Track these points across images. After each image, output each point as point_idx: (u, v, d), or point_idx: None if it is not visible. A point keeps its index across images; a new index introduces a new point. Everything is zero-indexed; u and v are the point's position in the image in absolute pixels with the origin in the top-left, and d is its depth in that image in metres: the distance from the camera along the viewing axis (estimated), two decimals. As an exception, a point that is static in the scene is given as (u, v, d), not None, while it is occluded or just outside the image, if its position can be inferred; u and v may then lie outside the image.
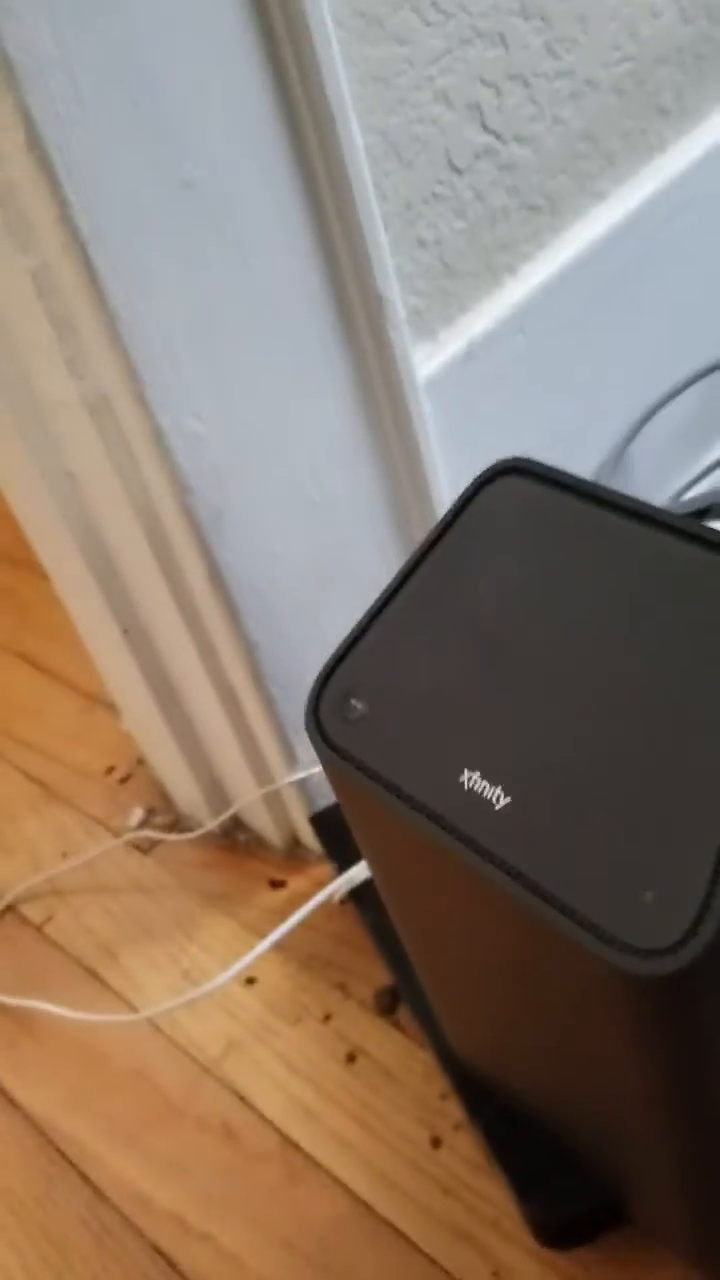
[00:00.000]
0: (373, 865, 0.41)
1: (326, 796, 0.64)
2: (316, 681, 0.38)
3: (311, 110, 0.48)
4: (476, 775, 0.33)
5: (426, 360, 0.60)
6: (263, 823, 0.67)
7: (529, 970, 0.34)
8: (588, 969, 0.30)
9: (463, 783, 0.33)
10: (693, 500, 0.70)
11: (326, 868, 0.65)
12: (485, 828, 0.32)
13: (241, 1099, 0.57)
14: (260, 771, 0.63)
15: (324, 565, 0.57)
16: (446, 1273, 0.48)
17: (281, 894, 0.66)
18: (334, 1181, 0.52)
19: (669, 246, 0.69)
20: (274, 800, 0.65)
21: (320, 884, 0.62)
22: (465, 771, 0.33)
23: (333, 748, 0.36)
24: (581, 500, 0.34)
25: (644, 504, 0.33)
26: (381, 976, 0.60)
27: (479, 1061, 0.48)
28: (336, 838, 0.63)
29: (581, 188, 0.65)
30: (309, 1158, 0.54)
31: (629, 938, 0.29)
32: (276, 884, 0.67)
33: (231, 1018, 0.60)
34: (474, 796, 0.33)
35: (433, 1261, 0.49)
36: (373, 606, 0.38)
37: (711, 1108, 0.33)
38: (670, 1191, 0.38)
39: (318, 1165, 0.53)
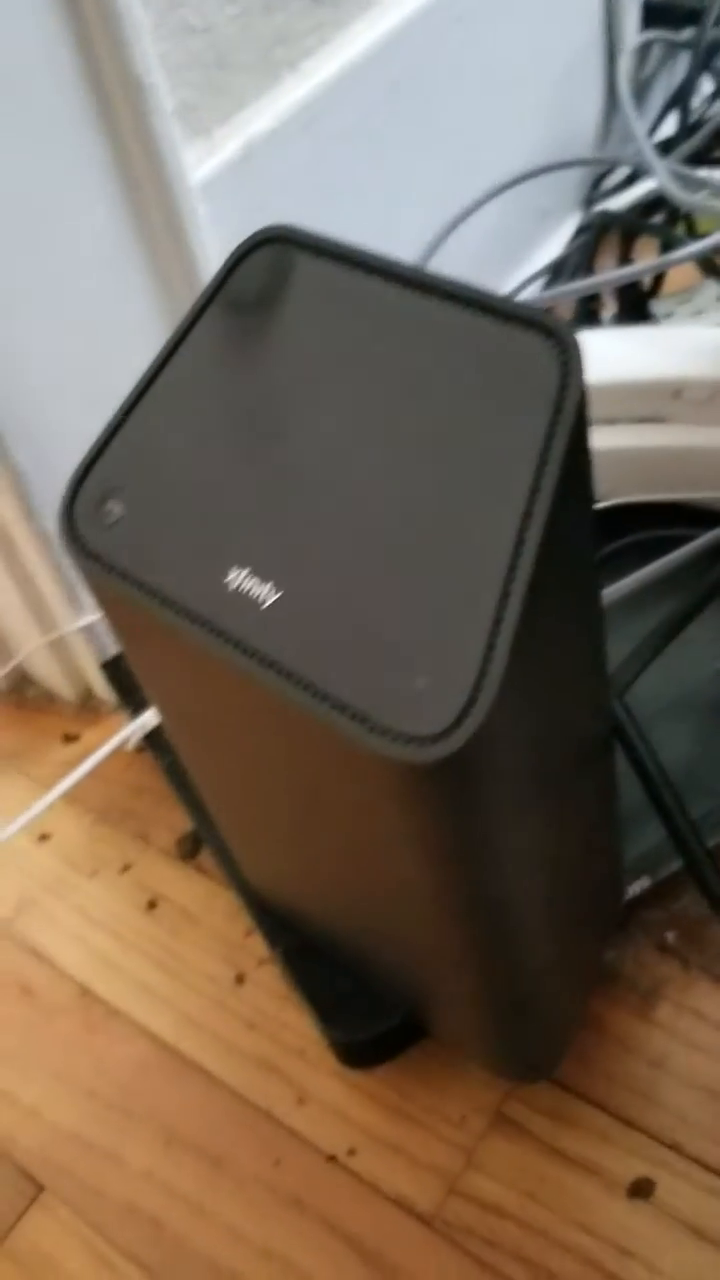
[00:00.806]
0: (148, 688, 0.38)
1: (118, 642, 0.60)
2: (69, 485, 0.34)
3: None
4: (244, 573, 0.30)
5: (202, 161, 0.55)
6: (51, 675, 0.63)
7: (308, 779, 0.32)
8: (361, 765, 0.28)
9: (229, 582, 0.31)
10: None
11: (122, 719, 0.62)
12: (253, 626, 0.30)
13: (37, 955, 0.54)
14: (43, 618, 0.59)
15: (93, 385, 0.52)
16: (252, 1104, 0.47)
17: (75, 748, 0.63)
18: (135, 1027, 0.51)
19: (450, 56, 0.65)
20: (61, 649, 0.61)
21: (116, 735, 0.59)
22: (232, 570, 0.31)
23: (90, 555, 0.33)
24: (352, 269, 0.31)
25: (420, 271, 0.30)
26: (182, 822, 0.58)
27: (276, 894, 0.46)
28: (130, 685, 0.60)
29: (363, -26, 0.60)
30: (109, 1006, 0.52)
31: (400, 725, 0.27)
32: (70, 738, 0.64)
33: (24, 875, 0.58)
34: (241, 595, 0.30)
35: (238, 1095, 0.48)
36: (127, 399, 0.34)
37: (493, 901, 0.32)
38: (464, 998, 0.38)
39: (118, 1013, 0.52)
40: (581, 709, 0.35)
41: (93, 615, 0.59)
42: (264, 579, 0.30)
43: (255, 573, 0.30)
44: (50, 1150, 0.48)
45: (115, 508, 0.33)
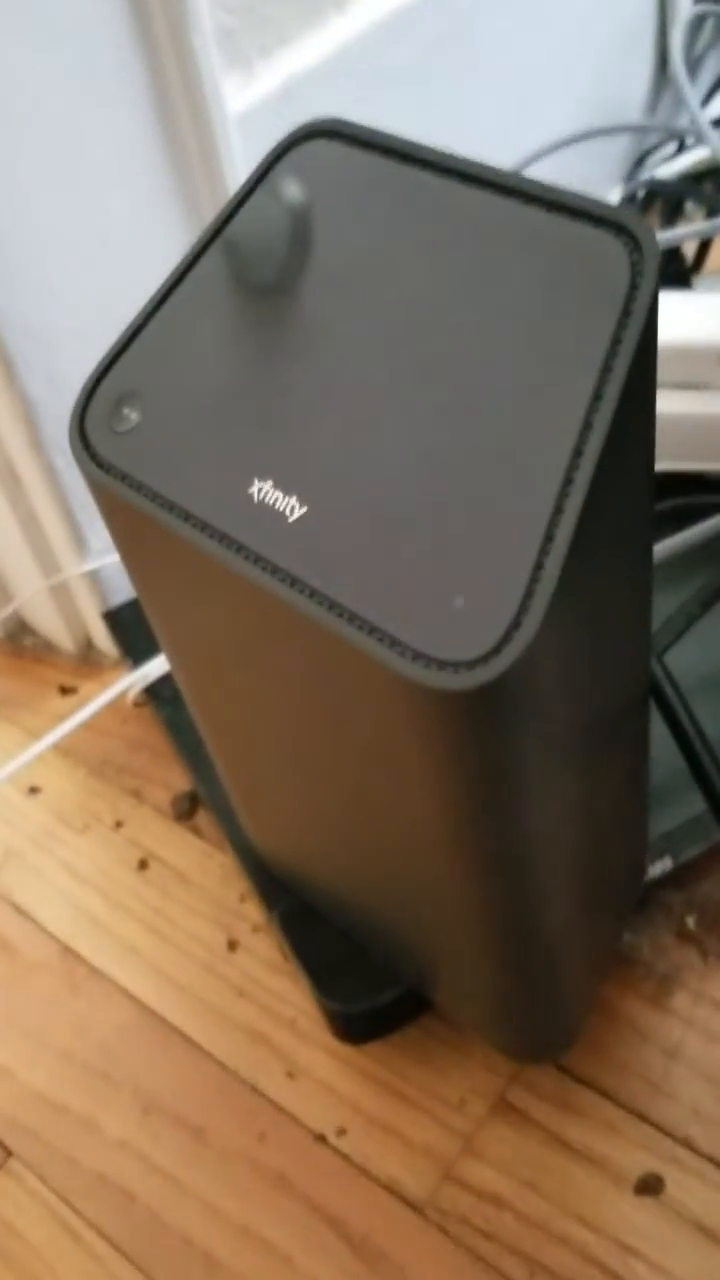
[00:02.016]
0: (155, 619, 0.36)
1: (123, 591, 0.58)
2: (83, 389, 0.32)
3: None
4: (268, 485, 0.28)
5: (240, 91, 0.53)
6: (51, 623, 0.61)
7: (329, 713, 0.30)
8: (391, 693, 0.26)
9: (252, 494, 0.28)
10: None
11: (123, 672, 0.59)
12: (276, 542, 0.27)
13: (19, 910, 0.52)
14: (46, 561, 0.57)
15: (112, 314, 0.50)
16: (238, 1076, 0.45)
17: (72, 700, 0.60)
18: (119, 990, 0.48)
19: (501, 12, 0.63)
20: (63, 596, 0.59)
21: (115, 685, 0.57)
22: (255, 482, 0.28)
23: (100, 465, 0.30)
24: (406, 164, 0.29)
25: (484, 166, 0.28)
26: (179, 781, 0.55)
27: (278, 852, 0.44)
28: (133, 637, 0.57)
29: None
30: (92, 967, 0.49)
31: (436, 650, 0.25)
32: (67, 690, 0.61)
33: (11, 827, 0.55)
34: (265, 509, 0.28)
35: (223, 1065, 0.45)
36: (153, 298, 0.32)
37: (514, 856, 0.30)
38: (474, 966, 0.35)
39: (102, 974, 0.49)
40: (622, 658, 0.32)
41: (98, 560, 0.56)
42: (290, 491, 0.28)
43: (281, 484, 0.28)
44: (20, 1113, 0.46)
45: (131, 414, 0.31)
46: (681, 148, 0.72)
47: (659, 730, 0.39)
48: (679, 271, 0.64)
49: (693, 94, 0.68)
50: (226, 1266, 0.40)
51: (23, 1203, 0.43)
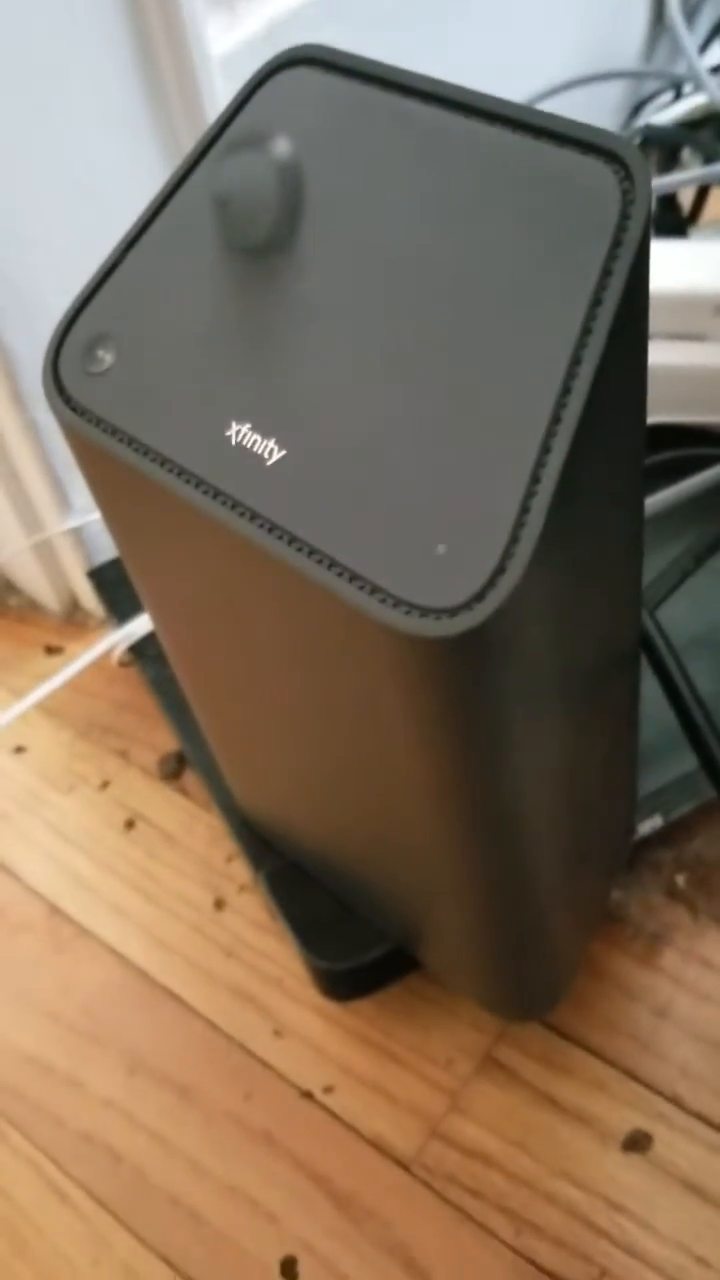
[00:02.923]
0: (133, 571, 0.35)
1: (107, 549, 0.57)
2: (56, 331, 0.31)
3: None
4: (246, 428, 0.27)
5: (223, 34, 0.51)
6: (36, 583, 0.60)
7: (311, 664, 0.29)
8: (372, 642, 0.25)
9: (229, 437, 0.27)
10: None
11: (108, 632, 0.59)
12: (255, 487, 0.27)
13: (5, 870, 0.51)
14: (29, 519, 0.56)
15: (95, 259, 0.49)
16: (225, 1034, 0.45)
17: (57, 660, 0.60)
18: (105, 949, 0.48)
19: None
20: (47, 555, 0.58)
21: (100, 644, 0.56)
22: (233, 424, 0.27)
23: (74, 406, 0.30)
24: (390, 92, 0.28)
25: (472, 93, 0.27)
26: (166, 742, 0.55)
27: (265, 812, 0.43)
28: (119, 595, 0.56)
29: None
30: (79, 927, 0.49)
31: (418, 596, 0.24)
32: (53, 650, 0.60)
33: (-4, 787, 0.54)
34: (243, 452, 0.27)
35: (210, 1024, 0.45)
36: (126, 236, 0.31)
37: (503, 809, 0.29)
38: (461, 922, 0.35)
39: (88, 934, 0.49)
40: (612, 611, 0.31)
41: (82, 518, 0.55)
42: (269, 434, 0.27)
43: (259, 427, 0.27)
44: (6, 1073, 0.45)
45: (105, 355, 0.30)
46: (678, 95, 0.70)
47: (648, 688, 0.38)
48: (675, 221, 0.63)
49: (690, 40, 0.67)
50: (213, 1225, 0.40)
51: (8, 1163, 0.43)
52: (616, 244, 0.24)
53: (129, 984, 0.47)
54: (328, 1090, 0.42)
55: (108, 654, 0.55)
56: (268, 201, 0.28)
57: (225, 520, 0.27)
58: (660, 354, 0.51)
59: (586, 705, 0.32)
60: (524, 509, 0.23)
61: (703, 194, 0.62)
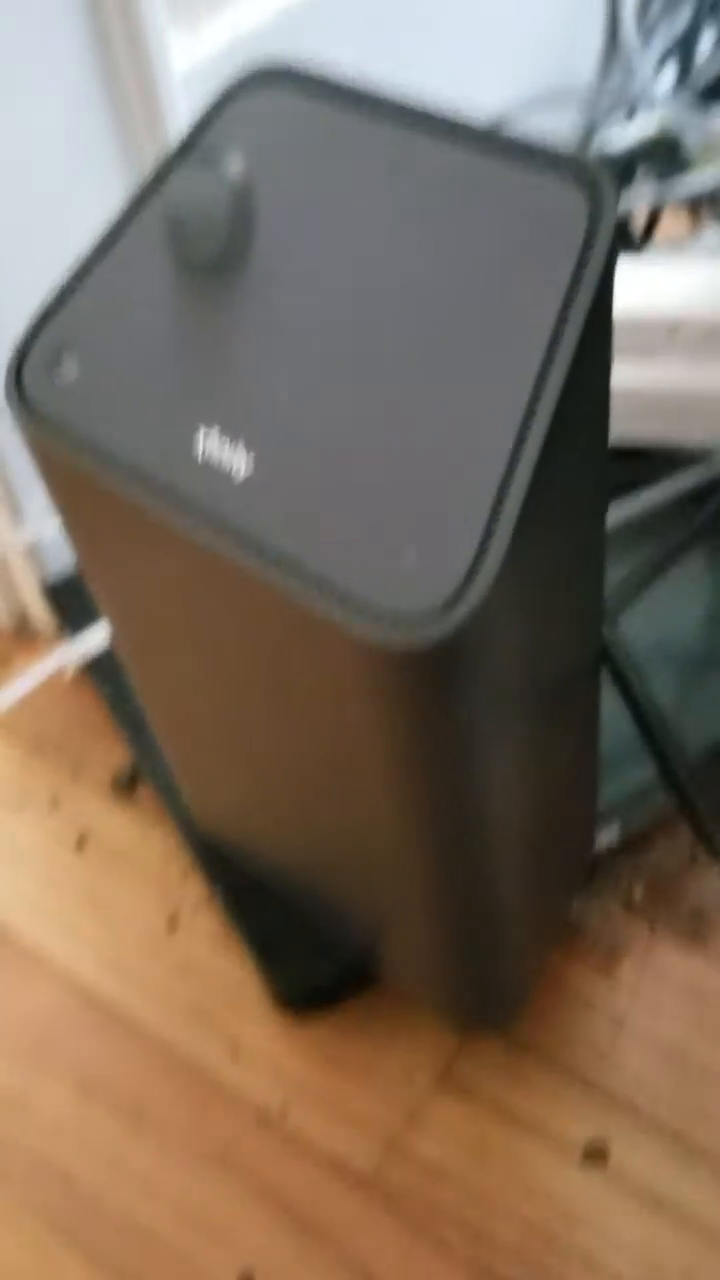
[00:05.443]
0: (96, 584, 0.34)
1: (61, 563, 0.56)
2: (19, 341, 0.30)
3: None
4: (213, 437, 0.27)
5: (186, 50, 0.51)
6: (-13, 596, 0.59)
7: (277, 675, 0.29)
8: (341, 651, 0.25)
9: (197, 446, 0.27)
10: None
11: (60, 647, 0.58)
12: (223, 496, 0.27)
13: (-47, 888, 0.50)
14: (-19, 531, 0.55)
15: (56, 272, 0.48)
16: (179, 1055, 0.44)
17: (7, 675, 0.59)
18: (56, 970, 0.47)
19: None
20: (-1, 568, 0.57)
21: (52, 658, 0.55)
22: (200, 435, 0.27)
23: (38, 417, 0.29)
24: (358, 109, 0.28)
25: (441, 112, 0.27)
26: (118, 758, 0.54)
27: (222, 825, 0.43)
28: (72, 610, 0.56)
29: None
30: (28, 946, 0.48)
31: (387, 604, 0.24)
32: (3, 665, 0.59)
33: (-56, 804, 0.54)
34: (210, 461, 0.27)
35: (163, 1044, 0.44)
36: (91, 248, 0.30)
37: (466, 819, 0.29)
38: (420, 933, 0.35)
39: (38, 954, 0.48)
40: (575, 621, 0.32)
41: (36, 531, 0.55)
42: (236, 442, 0.27)
43: (226, 436, 0.27)
44: (-44, 1095, 0.44)
45: (70, 366, 0.30)
46: (632, 116, 0.71)
47: (606, 700, 0.39)
48: (629, 241, 0.64)
49: (644, 62, 0.68)
50: (169, 1245, 0.40)
51: (-43, 1186, 0.42)
52: (583, 262, 0.24)
53: (80, 1004, 0.46)
54: (284, 1109, 0.42)
55: (60, 669, 0.55)
56: (219, 220, 0.28)
57: (193, 529, 0.27)
58: (616, 373, 0.52)
59: (550, 715, 0.32)
60: (492, 519, 0.24)
61: (655, 215, 0.63)
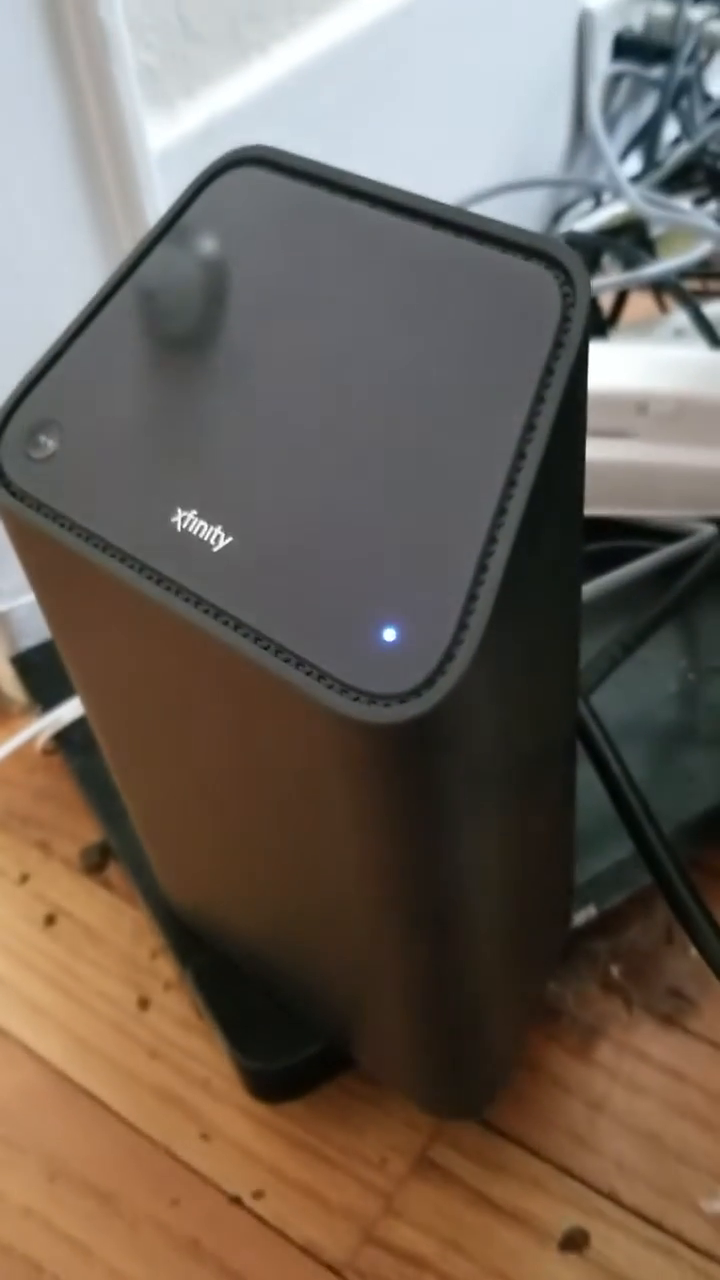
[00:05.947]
0: (71, 659, 0.34)
1: (32, 634, 0.56)
2: (-2, 416, 0.30)
3: None
4: (192, 514, 0.27)
5: (162, 130, 0.52)
6: (-43, 668, 0.59)
7: (252, 752, 0.29)
8: (318, 729, 0.25)
9: (174, 524, 0.27)
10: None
11: (31, 719, 0.57)
12: (201, 573, 0.26)
13: None
14: (-49, 603, 0.55)
15: (27, 348, 0.49)
16: (149, 1138, 0.43)
17: (-23, 747, 0.58)
18: (22, 1050, 0.46)
19: (423, 63, 0.64)
20: (-31, 639, 0.57)
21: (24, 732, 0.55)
22: (178, 511, 0.27)
23: (14, 494, 0.29)
24: (334, 193, 0.28)
25: (416, 197, 0.27)
26: (89, 833, 0.53)
27: (194, 905, 0.42)
28: (43, 681, 0.55)
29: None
30: (-4, 1026, 0.47)
31: (365, 684, 0.24)
32: (-28, 737, 0.59)
33: None
34: (188, 539, 0.27)
35: (133, 1128, 0.43)
36: (71, 325, 0.31)
37: (442, 901, 0.29)
38: (396, 1020, 0.34)
39: (6, 1034, 0.47)
40: (552, 697, 0.32)
41: (6, 603, 0.54)
42: (215, 520, 0.27)
43: (205, 514, 0.27)
44: None
45: (48, 442, 0.30)
46: (598, 203, 0.73)
47: (580, 775, 0.39)
48: (597, 324, 0.65)
49: (610, 150, 0.70)
50: (135, 1344, 0.38)
51: None
52: (559, 345, 0.25)
53: (48, 1086, 0.45)
54: (257, 1195, 0.41)
55: (30, 742, 0.54)
56: (193, 297, 0.29)
57: (171, 606, 0.26)
58: (587, 450, 0.52)
59: (527, 793, 0.32)
60: (471, 597, 0.24)
61: (622, 298, 0.65)
